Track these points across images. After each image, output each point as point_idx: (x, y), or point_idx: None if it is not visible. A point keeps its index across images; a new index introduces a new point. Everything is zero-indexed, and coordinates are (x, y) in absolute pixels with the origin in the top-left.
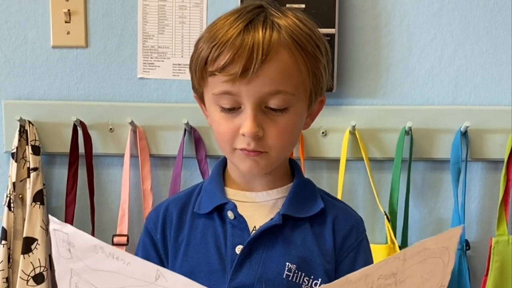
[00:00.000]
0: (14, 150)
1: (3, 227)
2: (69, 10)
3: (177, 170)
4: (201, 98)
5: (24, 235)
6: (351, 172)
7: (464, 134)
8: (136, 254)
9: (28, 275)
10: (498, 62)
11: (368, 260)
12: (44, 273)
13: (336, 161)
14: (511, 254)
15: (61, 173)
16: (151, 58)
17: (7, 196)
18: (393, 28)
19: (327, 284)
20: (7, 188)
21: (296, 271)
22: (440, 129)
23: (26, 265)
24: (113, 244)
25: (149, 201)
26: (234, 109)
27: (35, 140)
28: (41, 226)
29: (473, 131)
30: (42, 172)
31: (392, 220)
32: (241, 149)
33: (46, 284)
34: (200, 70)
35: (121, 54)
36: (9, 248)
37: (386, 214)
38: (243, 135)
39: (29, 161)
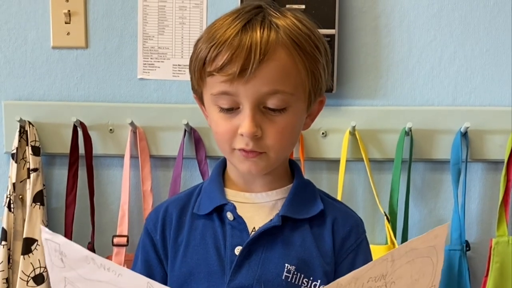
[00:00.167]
0: (14, 151)
1: (3, 228)
2: (69, 10)
3: (177, 171)
4: (200, 99)
5: (24, 236)
6: (351, 172)
7: (464, 134)
8: (136, 255)
9: (28, 276)
10: (498, 62)
11: (368, 261)
12: (44, 273)
13: (336, 161)
14: (511, 255)
15: (61, 174)
16: (151, 58)
17: (7, 197)
18: (393, 29)
19: None
20: (7, 189)
21: (295, 272)
22: (440, 130)
23: (26, 265)
24: (113, 244)
25: (149, 202)
26: (232, 109)
27: (35, 140)
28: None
29: (473, 132)
30: (42, 172)
31: (392, 220)
32: (240, 150)
33: (46, 285)
34: (199, 70)
35: (121, 55)
36: (9, 249)
37: (386, 215)
38: (242, 135)
39: (29, 162)
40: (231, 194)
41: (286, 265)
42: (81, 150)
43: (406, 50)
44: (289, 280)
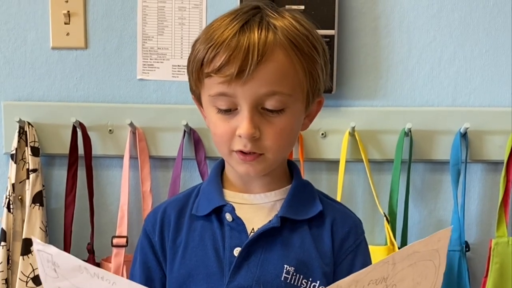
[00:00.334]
0: (14, 152)
1: (2, 229)
2: (68, 11)
3: (177, 172)
4: (198, 100)
5: (23, 237)
6: (350, 173)
7: (464, 135)
8: (135, 257)
9: (28, 277)
10: (497, 63)
11: (367, 262)
12: None
13: (336, 162)
14: (510, 255)
15: (60, 175)
16: (150, 59)
17: (6, 198)
18: (392, 29)
19: None
20: (6, 190)
21: (295, 274)
22: (439, 131)
23: (26, 266)
24: (112, 245)
25: (148, 202)
26: (230, 111)
27: (35, 141)
28: (40, 228)
29: (472, 133)
30: (42, 173)
31: (392, 221)
32: (238, 152)
33: None
34: (197, 71)
35: (120, 56)
36: (8, 250)
37: (385, 216)
38: (240, 136)
39: (28, 163)
40: (230, 195)
41: (285, 266)
42: (81, 150)
43: (405, 51)
44: (288, 281)
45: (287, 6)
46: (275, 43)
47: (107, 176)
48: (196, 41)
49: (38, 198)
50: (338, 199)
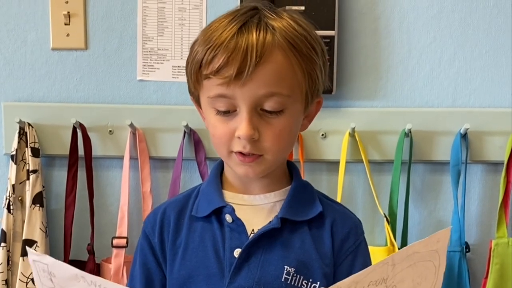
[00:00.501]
0: (14, 152)
1: (2, 229)
2: (68, 12)
3: (177, 172)
4: (197, 101)
5: (23, 237)
6: (350, 174)
7: (464, 136)
8: (134, 258)
9: (28, 277)
10: (497, 64)
11: (367, 263)
12: None
13: (336, 163)
14: (511, 256)
15: (60, 175)
16: (150, 60)
17: (6, 198)
18: (392, 30)
19: None
20: (6, 190)
21: (295, 274)
22: (439, 131)
23: (26, 267)
24: (112, 246)
25: (148, 203)
26: (229, 112)
27: (35, 142)
28: (40, 229)
29: (472, 133)
30: (42, 174)
31: (392, 222)
32: (237, 153)
33: None
34: (195, 73)
35: (120, 56)
36: (8, 250)
37: (385, 216)
38: (239, 138)
39: (28, 163)
40: (229, 196)
41: (286, 267)
42: (81, 151)
43: (405, 52)
44: (288, 282)
45: (287, 7)
46: (273, 44)
47: (107, 176)
48: (194, 43)
49: (38, 199)
50: (338, 199)
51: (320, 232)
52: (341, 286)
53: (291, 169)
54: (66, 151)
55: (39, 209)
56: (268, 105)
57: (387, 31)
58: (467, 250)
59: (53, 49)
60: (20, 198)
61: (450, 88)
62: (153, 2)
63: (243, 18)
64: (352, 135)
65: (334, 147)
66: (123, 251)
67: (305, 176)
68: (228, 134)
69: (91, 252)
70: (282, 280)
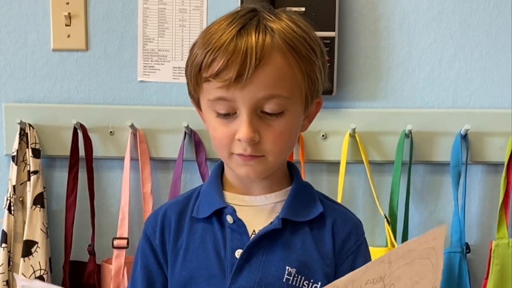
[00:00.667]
0: (15, 153)
1: (3, 230)
2: (69, 13)
3: (177, 173)
4: (197, 103)
5: (24, 238)
6: (351, 175)
7: (464, 137)
8: (135, 260)
9: (28, 278)
10: (498, 65)
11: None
12: (45, 276)
13: (336, 164)
14: (511, 257)
15: (61, 176)
16: (151, 61)
17: (7, 199)
18: (393, 31)
19: None
20: (7, 191)
21: (296, 275)
22: (440, 132)
23: (26, 268)
24: (113, 247)
25: (149, 204)
26: (229, 115)
27: (36, 143)
28: (41, 229)
29: (473, 134)
30: (43, 175)
31: (392, 223)
32: (238, 154)
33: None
34: (195, 76)
35: (121, 57)
36: (9, 251)
37: (386, 217)
38: (239, 140)
39: (29, 164)
40: (230, 197)
41: (287, 267)
42: (81, 152)
43: (406, 53)
44: (290, 282)
45: (287, 8)
46: (272, 46)
47: (108, 177)
48: (194, 45)
49: (39, 200)
50: (339, 200)
51: (321, 232)
52: (338, 285)
53: (292, 170)
54: (67, 152)
55: (40, 210)
56: (268, 107)
57: (388, 32)
58: (468, 250)
59: (54, 50)
60: (21, 199)
61: (451, 89)
62: (153, 3)
63: (242, 21)
64: (352, 136)
65: (335, 148)
66: (123, 252)
67: (305, 176)
68: (229, 137)
69: (91, 253)
70: (284, 280)
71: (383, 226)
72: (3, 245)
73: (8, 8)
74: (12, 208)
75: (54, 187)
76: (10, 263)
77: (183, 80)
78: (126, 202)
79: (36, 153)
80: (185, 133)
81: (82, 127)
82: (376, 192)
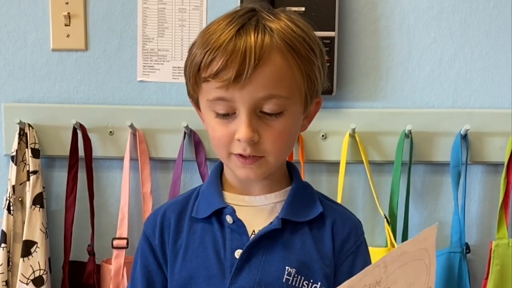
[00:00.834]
0: (14, 153)
1: (2, 230)
2: (69, 13)
3: (177, 173)
4: (196, 104)
5: (23, 238)
6: (351, 175)
7: (464, 137)
8: (135, 260)
9: (28, 278)
10: (498, 65)
11: (367, 263)
12: (44, 276)
13: (336, 164)
14: (511, 257)
15: (60, 176)
16: (150, 61)
17: (6, 199)
18: (392, 31)
19: None
20: (6, 191)
21: (296, 275)
22: (440, 132)
23: (26, 268)
24: (113, 247)
25: (149, 204)
26: (229, 115)
27: (35, 143)
28: (40, 229)
29: (473, 134)
30: (42, 175)
31: (392, 223)
32: (237, 156)
33: (46, 287)
34: (194, 76)
35: (120, 57)
36: (8, 251)
37: (386, 217)
38: (239, 140)
39: (28, 164)
40: (230, 197)
41: (287, 268)
42: (81, 152)
43: (406, 53)
44: (289, 283)
45: (287, 8)
46: (271, 46)
47: (107, 177)
48: (192, 45)
49: (38, 200)
50: (339, 200)
51: (320, 232)
52: None
53: (291, 170)
54: (66, 152)
55: (39, 210)
56: (268, 107)
57: (387, 32)
58: (468, 251)
59: (53, 50)
60: (20, 199)
61: (450, 89)
62: (153, 3)
63: (241, 20)
64: (352, 136)
65: (334, 148)
66: (123, 252)
67: (305, 177)
68: (228, 137)
69: (91, 253)
70: (283, 280)
71: (383, 226)
72: (3, 245)
73: (8, 8)
74: (11, 208)
75: (53, 187)
76: (10, 263)
77: (182, 80)
78: (125, 202)
79: (36, 153)
80: (185, 133)
81: (82, 127)
82: (376, 192)
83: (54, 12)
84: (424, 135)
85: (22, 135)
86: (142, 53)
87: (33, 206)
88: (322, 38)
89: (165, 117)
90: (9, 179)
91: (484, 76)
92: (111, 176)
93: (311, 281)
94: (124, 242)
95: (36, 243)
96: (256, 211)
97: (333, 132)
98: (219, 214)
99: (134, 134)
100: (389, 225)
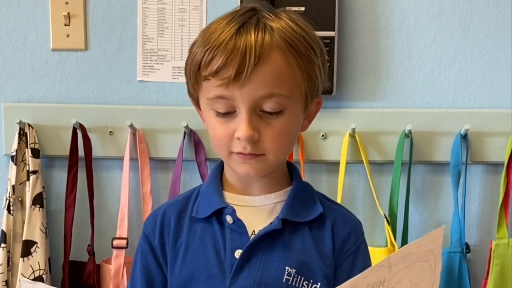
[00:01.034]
0: (14, 153)
1: (2, 230)
2: (68, 13)
3: (177, 173)
4: (196, 103)
5: (23, 238)
6: (351, 175)
7: (464, 137)
8: (135, 260)
9: (28, 278)
10: (497, 65)
11: (367, 264)
12: (44, 276)
13: (336, 164)
14: (511, 257)
15: (60, 176)
16: (150, 61)
17: (6, 199)
18: (392, 31)
19: None
20: (6, 191)
21: (296, 275)
22: (440, 132)
23: (26, 268)
24: (112, 247)
25: (148, 204)
26: (229, 113)
27: (35, 143)
28: (40, 229)
29: (473, 134)
30: (42, 175)
31: (392, 223)
32: (237, 153)
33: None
34: (194, 74)
35: (120, 57)
36: (8, 251)
37: (386, 217)
38: (239, 139)
39: (28, 164)
40: (230, 197)
41: (287, 268)
42: (81, 152)
43: (406, 52)
44: (289, 283)
45: (287, 8)
46: (272, 45)
47: (107, 177)
48: (193, 44)
49: (38, 200)
50: (339, 200)
51: (320, 233)
52: None
53: (291, 170)
54: (66, 152)
55: (39, 210)
56: (268, 106)
57: (387, 32)
58: (468, 250)
59: (53, 49)
60: (20, 199)
61: (450, 89)
62: (153, 3)
63: (241, 19)
64: (352, 135)
65: (334, 147)
66: (123, 252)
67: (305, 176)
68: (228, 136)
69: (91, 253)
70: (283, 281)
71: (383, 226)
72: (2, 245)
73: (8, 8)
74: (11, 208)
75: (53, 187)
76: (10, 263)
77: (182, 79)
78: (125, 202)
79: (35, 153)
80: (185, 133)
81: (82, 127)
82: (376, 192)
83: (54, 12)
84: (424, 135)
85: (22, 135)
86: (142, 53)
87: (33, 206)
88: (322, 37)
89: (165, 117)
90: (9, 179)
91: (484, 76)
92: (111, 176)
93: (311, 281)
94: (124, 242)
95: (36, 243)
96: (256, 211)
97: (333, 132)
98: (219, 214)
99: (134, 134)
100: (389, 225)
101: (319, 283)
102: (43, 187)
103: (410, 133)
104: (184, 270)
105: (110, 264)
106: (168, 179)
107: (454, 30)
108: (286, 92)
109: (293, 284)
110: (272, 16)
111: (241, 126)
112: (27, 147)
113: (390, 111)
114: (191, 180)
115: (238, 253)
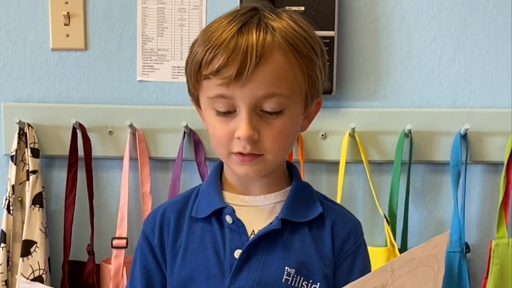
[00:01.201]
0: (13, 153)
1: (2, 230)
2: (68, 12)
3: (177, 173)
4: (197, 102)
5: (23, 238)
6: (350, 174)
7: (464, 136)
8: (134, 259)
9: (27, 278)
10: (497, 64)
11: (366, 264)
12: (44, 276)
13: (336, 163)
14: (511, 256)
15: (60, 176)
16: (150, 60)
17: (6, 199)
18: (392, 30)
19: None
20: (6, 191)
21: (295, 275)
22: (439, 132)
23: (25, 268)
24: (112, 247)
25: (148, 203)
26: (229, 113)
27: (34, 142)
28: (40, 229)
29: (472, 134)
30: (41, 174)
31: (392, 222)
32: (237, 154)
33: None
34: (195, 73)
35: (120, 57)
36: (8, 251)
37: (385, 217)
38: (239, 138)
39: (28, 164)
40: (229, 197)
41: (286, 268)
42: (80, 152)
43: (405, 52)
44: (289, 283)
45: (287, 7)
46: (273, 44)
47: (107, 177)
48: (194, 43)
49: (38, 200)
50: (338, 200)
51: (320, 233)
52: None
53: (291, 170)
54: (66, 151)
55: (38, 210)
56: (268, 106)
57: (387, 32)
58: (467, 250)
59: (52, 49)
60: (20, 198)
61: (450, 89)
62: (153, 3)
63: (243, 19)
64: (352, 135)
65: (334, 147)
66: (123, 251)
67: (305, 176)
68: (228, 135)
69: (91, 252)
70: (283, 281)
71: (383, 226)
72: (2, 245)
73: (7, 8)
74: (11, 207)
75: (53, 187)
76: (9, 263)
77: (182, 79)
78: (125, 201)
79: (35, 153)
80: (184, 132)
81: (81, 126)
82: (376, 192)
83: (53, 12)
84: (424, 135)
85: (22, 134)
86: (142, 52)
87: (33, 206)
88: (322, 37)
89: (164, 116)
90: (8, 179)
91: (484, 75)
92: (111, 176)
93: (311, 281)
94: (123, 242)
95: (36, 242)
96: (256, 211)
97: (333, 131)
98: (218, 214)
99: (133, 134)
100: (388, 224)
101: (318, 283)
102: (43, 187)
103: (410, 132)
104: (184, 270)
105: (110, 264)
106: (168, 178)
107: (454, 29)
108: (287, 92)
109: (293, 284)
110: (274, 16)
111: (241, 125)
112: (26, 147)
113: (390, 110)
114: (191, 180)
115: (237, 253)
